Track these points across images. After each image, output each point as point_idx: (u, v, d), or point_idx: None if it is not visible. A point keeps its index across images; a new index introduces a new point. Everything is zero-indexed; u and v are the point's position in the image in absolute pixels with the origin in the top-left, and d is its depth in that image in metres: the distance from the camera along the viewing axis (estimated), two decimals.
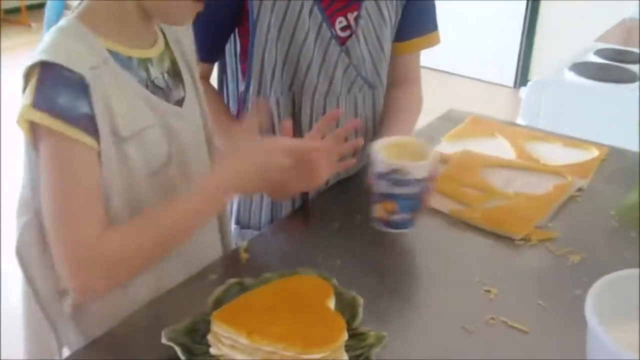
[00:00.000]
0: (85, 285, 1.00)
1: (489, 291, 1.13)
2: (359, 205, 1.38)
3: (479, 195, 1.43)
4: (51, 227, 0.99)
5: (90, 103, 0.95)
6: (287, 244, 1.21)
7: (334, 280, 1.08)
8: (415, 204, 1.21)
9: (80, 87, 0.94)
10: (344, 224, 1.32)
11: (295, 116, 1.43)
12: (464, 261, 1.23)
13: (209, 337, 0.95)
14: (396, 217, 1.21)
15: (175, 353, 0.92)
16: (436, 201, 1.40)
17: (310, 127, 1.43)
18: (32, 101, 0.94)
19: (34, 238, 1.05)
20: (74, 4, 1.02)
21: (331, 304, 1.00)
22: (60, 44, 0.97)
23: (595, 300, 0.88)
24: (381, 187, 1.20)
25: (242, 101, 1.49)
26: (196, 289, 1.10)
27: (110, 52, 1.01)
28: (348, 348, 0.94)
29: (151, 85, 1.06)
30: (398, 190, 1.19)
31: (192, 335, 0.96)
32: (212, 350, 0.94)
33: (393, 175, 1.18)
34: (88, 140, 0.96)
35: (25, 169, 1.03)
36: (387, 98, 1.55)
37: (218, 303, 1.01)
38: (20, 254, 1.06)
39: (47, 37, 0.98)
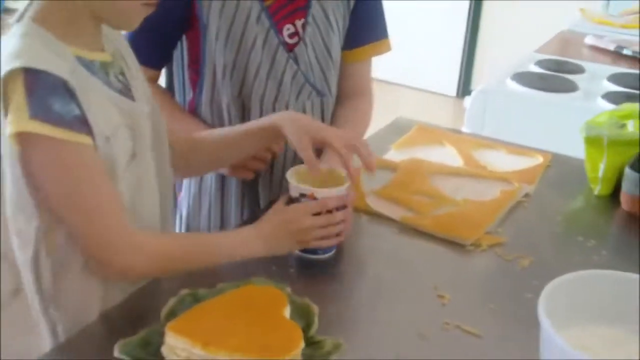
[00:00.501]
0: (126, 269, 1.04)
1: (442, 296, 1.14)
2: None
3: (428, 202, 1.44)
4: (85, 228, 1.00)
5: (79, 105, 0.96)
6: None
7: (288, 289, 1.07)
8: None
9: (67, 90, 0.95)
10: None
11: (245, 122, 1.42)
12: (417, 267, 1.24)
13: (163, 349, 0.93)
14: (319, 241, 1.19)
15: None
16: (386, 208, 1.41)
17: None
18: (28, 112, 0.92)
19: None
20: (15, 4, 0.99)
21: (286, 313, 0.99)
22: (31, 49, 0.95)
23: (547, 302, 0.89)
24: None
25: (194, 108, 1.47)
26: (148, 300, 1.08)
27: (75, 56, 1.00)
28: (305, 357, 0.93)
29: (112, 88, 1.06)
30: None
31: (145, 348, 0.94)
32: None
33: (302, 200, 1.17)
34: (86, 139, 0.97)
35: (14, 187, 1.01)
36: (336, 111, 1.55)
37: (171, 314, 0.99)
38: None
39: (10, 42, 0.96)
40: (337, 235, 1.20)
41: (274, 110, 1.43)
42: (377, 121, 1.91)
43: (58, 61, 0.96)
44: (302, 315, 1.02)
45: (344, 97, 1.56)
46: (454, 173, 1.59)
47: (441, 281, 1.18)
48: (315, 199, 1.16)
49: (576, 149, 1.65)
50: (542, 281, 0.95)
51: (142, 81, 1.16)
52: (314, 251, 1.20)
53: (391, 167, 1.61)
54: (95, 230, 1.00)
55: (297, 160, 1.46)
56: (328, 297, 1.12)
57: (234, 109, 1.42)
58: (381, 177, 1.55)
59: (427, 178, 1.54)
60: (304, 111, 1.48)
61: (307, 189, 1.17)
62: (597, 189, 1.56)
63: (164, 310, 1.01)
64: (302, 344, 0.91)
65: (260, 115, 1.42)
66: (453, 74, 5.32)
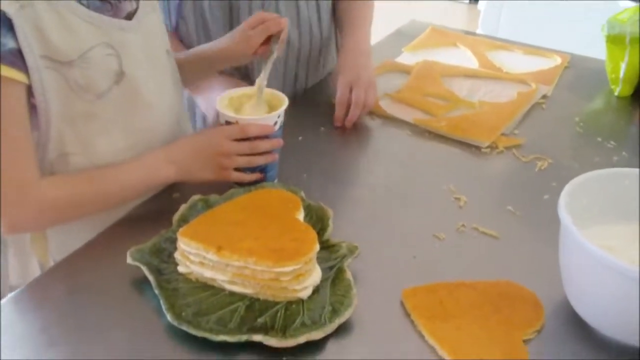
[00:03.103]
0: (13, 225, 0.98)
1: (458, 199, 1.12)
2: (322, 116, 1.35)
3: (443, 104, 1.40)
4: None
5: (15, 37, 0.90)
6: None
7: (302, 193, 1.05)
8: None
9: (4, 22, 0.89)
10: (308, 136, 1.29)
11: (233, 24, 1.37)
12: (432, 170, 1.21)
13: (176, 255, 0.92)
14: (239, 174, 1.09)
15: (142, 274, 0.90)
16: (400, 111, 1.37)
17: None
18: None
19: None
20: None
21: (300, 216, 0.97)
22: None
23: (568, 200, 0.87)
24: None
25: (178, 12, 1.40)
26: (159, 207, 1.07)
27: None
28: (320, 260, 0.92)
29: (96, 0, 1.00)
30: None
31: (158, 255, 0.94)
32: (180, 269, 0.91)
33: None
34: (17, 75, 0.91)
35: None
36: (338, 7, 1.50)
37: (183, 220, 0.98)
38: None
39: None
40: (261, 170, 1.10)
41: (262, 9, 1.37)
42: (389, 29, 1.85)
43: None
44: (317, 219, 1.01)
45: None
46: (469, 75, 1.54)
47: (457, 183, 1.16)
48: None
49: (595, 51, 1.60)
50: (560, 183, 0.92)
51: None
52: (240, 182, 1.10)
53: (404, 70, 1.56)
54: None
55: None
56: (342, 201, 1.10)
57: (218, 11, 1.36)
58: (394, 81, 1.51)
59: (441, 80, 1.50)
60: (298, 8, 1.41)
61: (232, 116, 1.07)
62: (618, 90, 1.51)
63: (176, 217, 0.99)
64: (317, 247, 0.89)
65: (249, 14, 1.36)
66: None
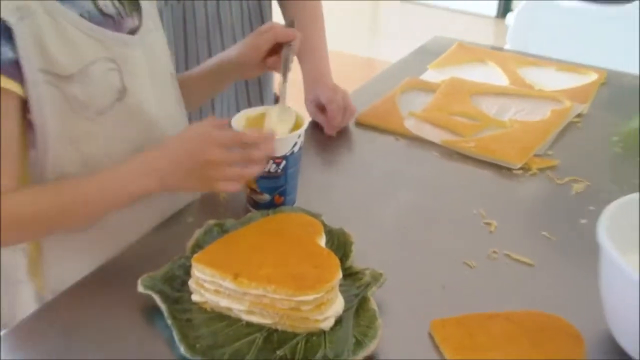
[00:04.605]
0: None
1: (488, 224, 1.07)
2: (342, 137, 1.33)
3: (472, 124, 1.36)
4: None
5: (15, 47, 0.88)
6: None
7: (323, 218, 1.01)
8: (276, 185, 1.06)
9: (3, 32, 0.87)
10: (328, 158, 1.27)
11: (187, 23, 1.35)
12: (460, 193, 1.17)
13: (190, 283, 0.88)
14: (257, 197, 1.07)
15: (154, 303, 0.86)
16: (426, 132, 1.34)
17: (207, 32, 1.37)
18: None
19: None
20: None
21: (322, 242, 0.93)
22: None
23: (608, 224, 0.82)
24: None
25: None
26: (172, 233, 1.03)
27: None
28: (343, 289, 0.87)
29: (98, 15, 0.98)
30: None
31: (171, 282, 0.90)
32: (194, 297, 0.88)
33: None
34: (12, 85, 0.89)
35: None
36: (286, 16, 1.47)
37: (198, 247, 0.95)
38: None
39: None
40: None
41: (217, 9, 1.37)
42: (412, 45, 1.82)
43: None
44: (339, 245, 0.97)
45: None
46: (499, 93, 1.50)
47: (487, 207, 1.11)
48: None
49: (632, 66, 1.55)
50: (598, 206, 0.89)
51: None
52: (256, 205, 1.07)
53: (430, 88, 1.52)
54: None
55: None
56: (366, 225, 1.06)
57: (172, 11, 1.34)
58: (419, 99, 1.48)
59: (469, 98, 1.46)
60: (249, 9, 1.41)
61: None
62: None
63: (190, 242, 0.96)
64: (340, 275, 0.85)
65: (205, 14, 1.36)
66: None
